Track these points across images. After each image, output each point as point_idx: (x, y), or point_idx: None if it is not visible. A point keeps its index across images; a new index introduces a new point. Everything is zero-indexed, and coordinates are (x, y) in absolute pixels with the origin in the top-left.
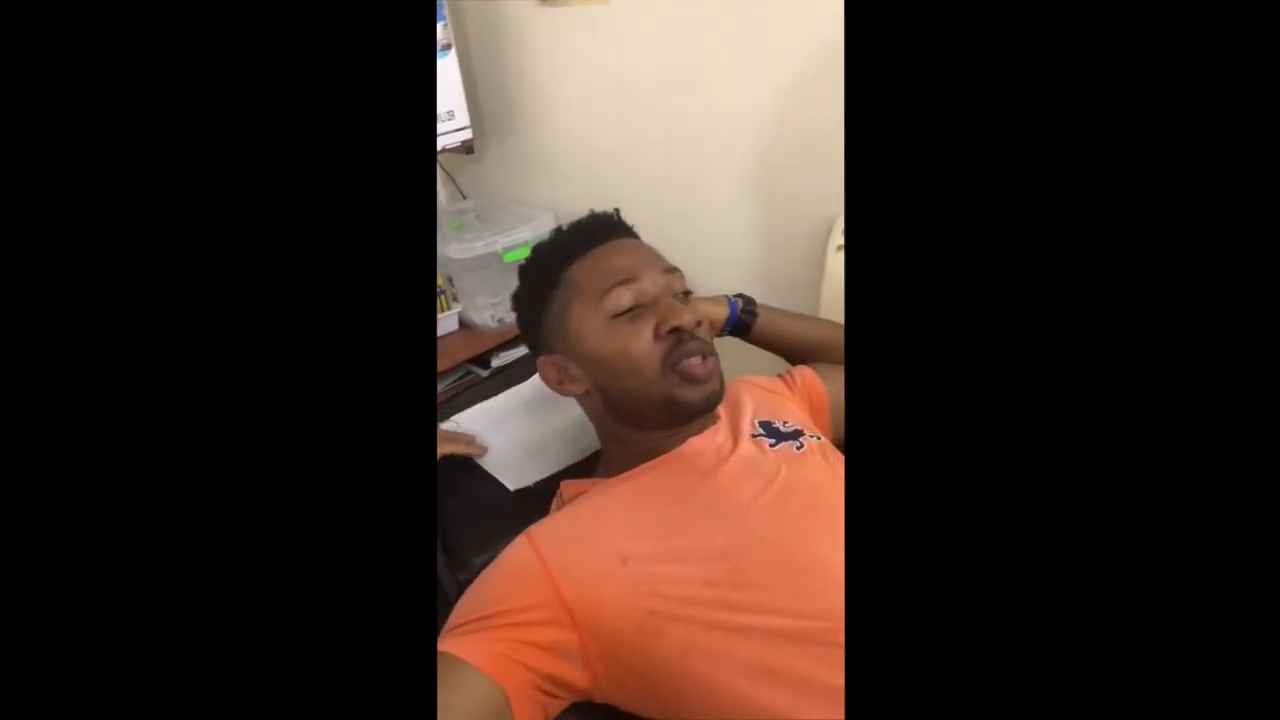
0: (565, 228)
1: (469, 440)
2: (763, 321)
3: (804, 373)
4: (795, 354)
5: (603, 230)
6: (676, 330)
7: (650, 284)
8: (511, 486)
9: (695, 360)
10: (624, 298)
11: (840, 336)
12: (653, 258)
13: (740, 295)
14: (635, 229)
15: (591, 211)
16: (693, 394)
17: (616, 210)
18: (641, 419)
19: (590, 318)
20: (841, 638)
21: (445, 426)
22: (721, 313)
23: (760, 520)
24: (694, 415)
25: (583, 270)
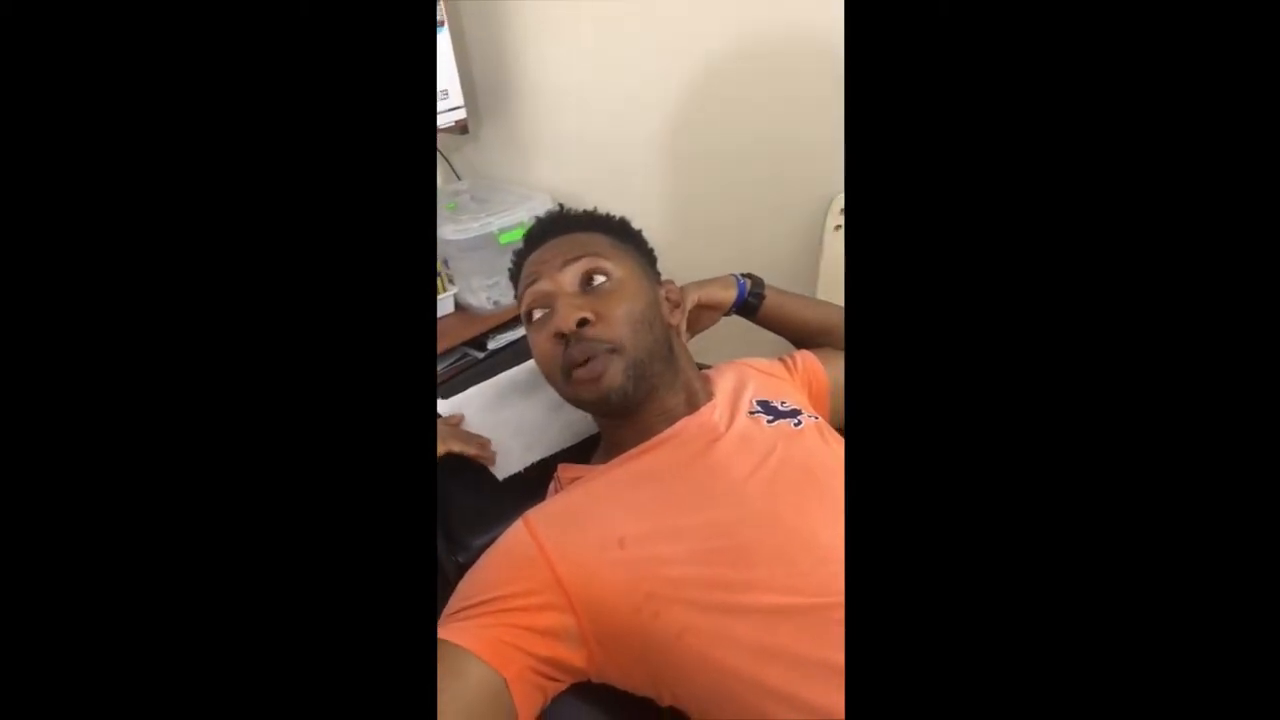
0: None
1: (481, 444)
2: (770, 303)
3: (805, 356)
4: (800, 337)
5: (544, 227)
6: (561, 335)
7: (548, 283)
8: (500, 476)
9: (581, 370)
10: (530, 301)
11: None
12: (562, 251)
13: (749, 275)
14: (606, 217)
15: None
16: (587, 395)
17: (561, 205)
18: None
19: (525, 322)
20: (838, 614)
21: (443, 409)
22: (729, 294)
23: (756, 496)
24: (614, 414)
25: (521, 273)
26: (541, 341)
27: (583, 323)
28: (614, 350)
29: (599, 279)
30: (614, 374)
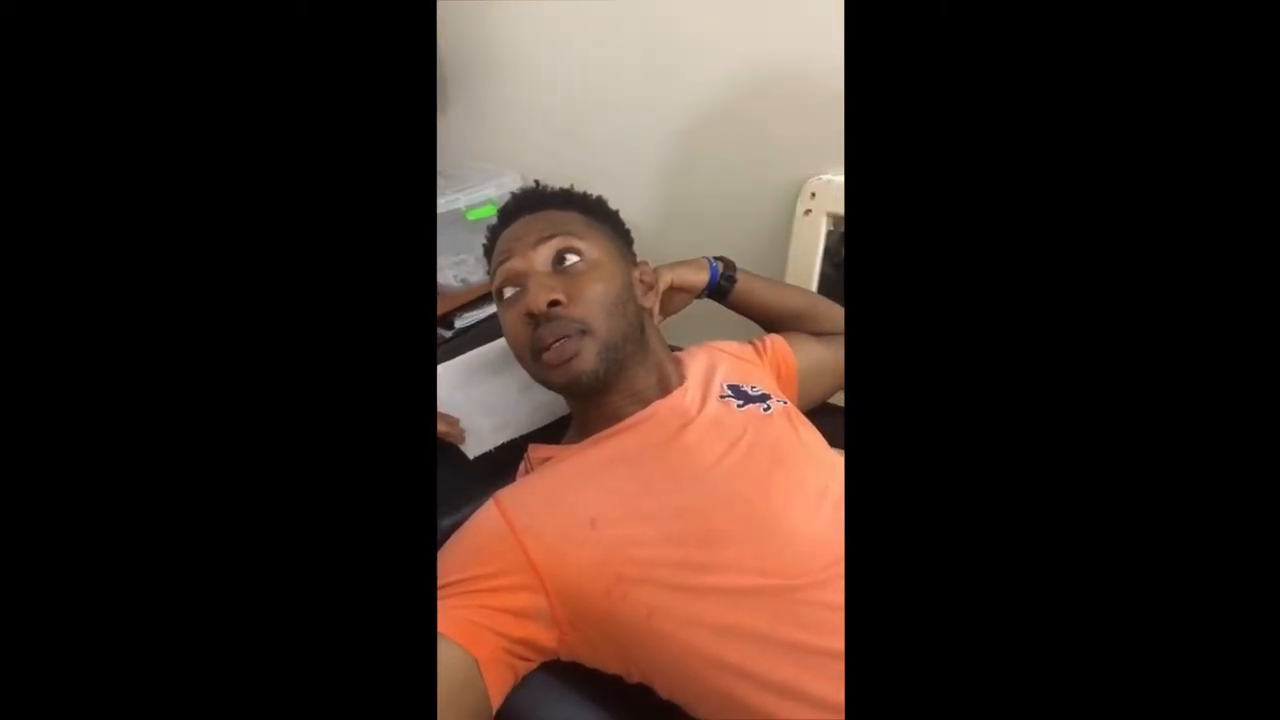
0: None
1: (451, 422)
2: (741, 288)
3: (775, 341)
4: (769, 321)
5: (519, 204)
6: (531, 315)
7: (520, 261)
8: (470, 455)
9: (551, 352)
10: (502, 278)
11: (816, 307)
12: (536, 229)
13: (720, 259)
14: (583, 196)
15: (535, 182)
16: (557, 377)
17: (537, 182)
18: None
19: (496, 299)
20: (802, 595)
21: None
22: (701, 277)
23: (726, 479)
24: (584, 395)
25: (495, 249)
26: (512, 320)
27: (554, 304)
28: (585, 332)
29: (571, 258)
30: (587, 357)
